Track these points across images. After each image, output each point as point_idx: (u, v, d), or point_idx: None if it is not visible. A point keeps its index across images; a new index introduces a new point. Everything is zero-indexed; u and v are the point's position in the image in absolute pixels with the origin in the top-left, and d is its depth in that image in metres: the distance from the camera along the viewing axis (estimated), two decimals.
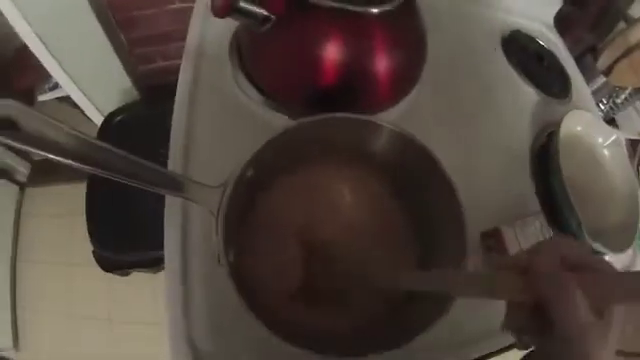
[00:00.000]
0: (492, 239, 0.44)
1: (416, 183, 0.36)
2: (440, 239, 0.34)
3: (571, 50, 0.69)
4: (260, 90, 0.46)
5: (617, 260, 0.49)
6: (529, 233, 0.44)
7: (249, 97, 0.46)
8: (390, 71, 0.43)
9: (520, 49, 0.62)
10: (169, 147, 0.44)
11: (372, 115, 0.43)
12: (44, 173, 1.19)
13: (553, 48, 0.65)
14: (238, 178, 0.31)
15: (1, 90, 0.99)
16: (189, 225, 0.40)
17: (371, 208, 0.38)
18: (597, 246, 0.46)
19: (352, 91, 0.43)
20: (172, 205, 0.41)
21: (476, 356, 0.41)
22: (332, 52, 0.40)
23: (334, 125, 0.35)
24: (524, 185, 0.51)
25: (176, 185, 0.30)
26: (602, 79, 0.78)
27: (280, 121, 0.45)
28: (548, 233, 0.45)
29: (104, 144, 0.28)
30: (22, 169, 1.18)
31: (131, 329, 1.05)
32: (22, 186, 1.19)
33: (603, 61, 0.72)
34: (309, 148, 0.36)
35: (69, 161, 0.26)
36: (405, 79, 0.47)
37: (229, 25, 0.46)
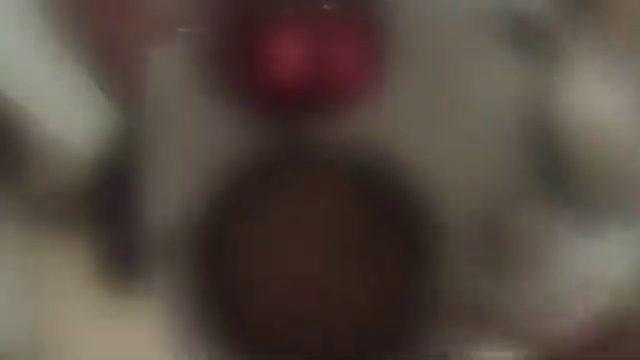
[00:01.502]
0: (489, 225, 0.42)
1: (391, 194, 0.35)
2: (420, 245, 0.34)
3: (562, 12, 0.66)
4: (228, 103, 0.44)
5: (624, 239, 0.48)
6: (529, 215, 0.43)
7: (216, 115, 0.45)
8: (358, 61, 0.42)
9: (505, 18, 0.59)
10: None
11: (346, 108, 0.42)
12: None
13: (542, 11, 0.62)
14: (210, 208, 0.31)
15: None
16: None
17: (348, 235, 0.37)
18: (605, 221, 0.45)
19: (318, 93, 0.41)
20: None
21: None
22: (291, 55, 0.39)
23: (304, 141, 0.34)
24: (521, 163, 0.48)
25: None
26: (597, 41, 0.75)
27: (254, 136, 0.43)
28: (550, 213, 0.44)
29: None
30: None
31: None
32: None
33: (598, 22, 0.70)
34: (282, 168, 0.36)
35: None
36: (374, 71, 0.45)
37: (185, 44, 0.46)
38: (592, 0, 0.70)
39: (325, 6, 0.37)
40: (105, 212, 0.38)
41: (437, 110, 0.48)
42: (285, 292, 0.34)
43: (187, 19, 0.43)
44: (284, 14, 0.39)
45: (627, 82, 0.60)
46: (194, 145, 0.44)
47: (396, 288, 0.33)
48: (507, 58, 0.54)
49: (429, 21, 0.53)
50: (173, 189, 0.42)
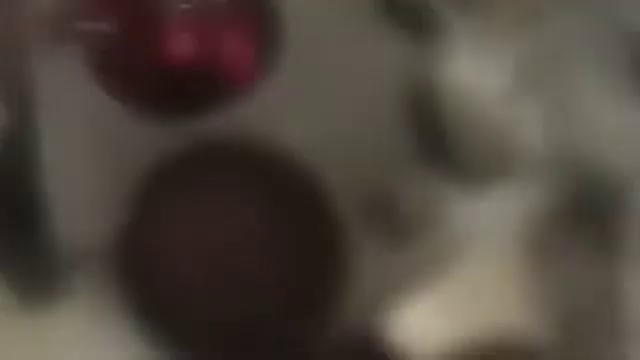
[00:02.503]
0: (377, 204, 0.45)
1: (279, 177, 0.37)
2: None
3: None
4: (121, 102, 0.43)
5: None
6: (415, 190, 0.46)
7: (115, 118, 0.43)
8: (244, 55, 0.42)
9: None
10: None
11: (234, 105, 0.43)
12: None
13: None
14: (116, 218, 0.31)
15: None
16: None
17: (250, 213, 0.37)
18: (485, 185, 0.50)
19: (208, 85, 0.41)
20: None
21: None
22: (179, 48, 0.39)
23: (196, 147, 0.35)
24: (404, 139, 0.51)
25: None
26: (477, 12, 0.79)
27: (149, 133, 0.42)
28: (434, 186, 0.48)
29: None
30: None
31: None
32: None
33: None
34: (175, 173, 0.36)
35: None
36: (262, 60, 0.45)
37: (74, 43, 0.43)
38: None
39: None
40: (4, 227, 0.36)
41: (319, 93, 0.50)
42: (196, 290, 0.35)
43: (76, 14, 0.40)
44: (172, 7, 0.38)
45: (508, 59, 0.66)
46: (91, 148, 0.43)
47: (297, 274, 0.35)
48: (389, 35, 0.56)
49: (312, 4, 0.54)
50: (74, 195, 0.41)
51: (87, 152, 0.43)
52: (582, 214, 0.50)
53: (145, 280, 0.36)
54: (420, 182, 0.46)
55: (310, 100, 0.49)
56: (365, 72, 0.53)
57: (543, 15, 0.63)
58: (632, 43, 0.53)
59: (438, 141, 0.50)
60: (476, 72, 0.57)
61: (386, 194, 0.44)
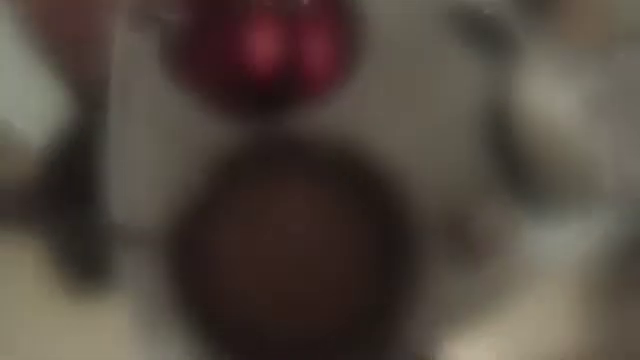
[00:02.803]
0: (454, 224, 0.44)
1: (362, 184, 0.36)
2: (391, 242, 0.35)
3: (522, 11, 0.69)
4: (196, 98, 0.42)
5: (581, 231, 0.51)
6: (492, 213, 0.44)
7: (185, 110, 0.42)
8: (327, 58, 0.42)
9: (465, 13, 0.61)
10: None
11: (314, 107, 0.42)
12: None
13: (502, 11, 0.64)
14: (175, 208, 0.31)
15: None
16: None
17: (321, 217, 0.37)
18: (562, 215, 0.47)
19: (289, 86, 0.41)
20: None
21: None
22: (262, 47, 0.38)
23: (272, 140, 0.34)
24: (482, 160, 0.48)
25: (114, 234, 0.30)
26: (554, 36, 0.78)
27: (221, 131, 0.41)
28: (512, 210, 0.45)
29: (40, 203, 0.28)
30: None
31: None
32: None
33: (557, 21, 0.73)
34: (249, 166, 0.35)
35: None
36: (345, 64, 0.44)
37: (153, 33, 0.44)
38: (556, 5, 0.74)
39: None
40: (59, 209, 0.36)
41: (402, 106, 0.49)
42: (256, 295, 0.34)
43: (155, 2, 0.41)
44: (258, 6, 0.38)
45: (582, 80, 0.64)
46: (161, 138, 0.42)
47: (367, 286, 0.34)
48: (469, 54, 0.56)
49: (396, 16, 0.54)
50: (139, 185, 0.40)
51: (153, 139, 0.43)
52: None
53: (198, 278, 0.35)
54: (494, 206, 0.44)
55: (389, 107, 0.47)
56: (444, 88, 0.51)
57: (622, 43, 0.62)
58: None
59: (514, 165, 0.48)
60: (553, 96, 0.55)
61: (457, 214, 0.42)
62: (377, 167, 0.34)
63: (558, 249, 0.46)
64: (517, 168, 0.48)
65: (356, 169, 0.35)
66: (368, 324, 0.34)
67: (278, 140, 0.35)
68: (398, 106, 0.48)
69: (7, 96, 0.79)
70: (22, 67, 0.85)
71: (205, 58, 0.41)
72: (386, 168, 0.34)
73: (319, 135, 0.35)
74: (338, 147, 0.35)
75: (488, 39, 0.61)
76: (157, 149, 0.42)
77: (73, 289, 0.66)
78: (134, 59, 0.46)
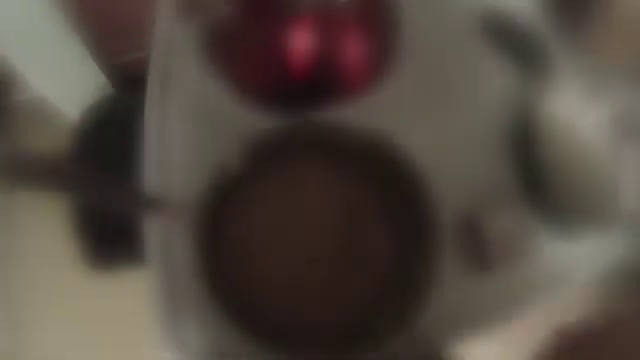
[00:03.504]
0: (471, 226, 0.43)
1: (390, 177, 0.36)
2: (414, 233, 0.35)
3: (553, 25, 0.68)
4: (232, 87, 0.44)
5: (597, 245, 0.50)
6: (510, 219, 0.44)
7: (222, 96, 0.44)
8: (362, 59, 0.42)
9: (499, 26, 0.61)
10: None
11: (347, 105, 0.43)
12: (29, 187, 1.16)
13: (534, 23, 0.64)
14: (209, 187, 0.31)
15: None
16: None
17: (345, 210, 0.38)
18: (579, 228, 0.47)
19: (324, 82, 0.42)
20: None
21: None
22: (299, 45, 0.39)
23: (307, 128, 0.35)
24: (504, 168, 0.50)
25: (148, 204, 0.31)
26: (585, 55, 0.77)
27: (254, 119, 0.43)
28: (529, 218, 0.46)
29: (72, 170, 0.28)
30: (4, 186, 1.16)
31: (129, 331, 1.06)
32: (7, 201, 1.18)
33: (587, 36, 0.72)
34: (281, 153, 0.36)
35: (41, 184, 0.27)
36: (378, 65, 0.46)
37: (197, 21, 0.45)
38: (583, 17, 0.73)
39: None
40: (91, 178, 0.36)
41: (431, 106, 0.50)
42: (282, 279, 0.35)
43: None
44: (299, 3, 0.39)
45: (612, 98, 0.63)
46: (197, 121, 0.44)
47: (387, 282, 0.34)
48: (501, 62, 0.56)
49: (431, 21, 0.54)
50: (172, 163, 0.41)
51: (189, 121, 0.44)
52: None
53: (224, 255, 0.36)
54: (514, 214, 0.44)
55: (418, 108, 0.48)
56: (475, 92, 0.54)
57: None
58: None
59: (536, 175, 0.48)
60: (581, 112, 0.55)
61: (475, 216, 0.42)
62: (403, 163, 0.34)
63: (575, 262, 0.46)
64: (539, 179, 0.48)
65: (382, 163, 0.35)
66: (383, 318, 0.34)
67: (309, 130, 0.36)
68: (428, 107, 0.49)
69: (46, 71, 0.81)
70: (61, 45, 0.88)
71: (245, 49, 0.42)
72: (411, 165, 0.34)
73: (350, 128, 0.35)
74: (367, 140, 0.35)
75: (520, 49, 0.61)
76: (193, 130, 0.43)
77: (97, 257, 0.68)
78: (175, 43, 0.47)
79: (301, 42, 0.39)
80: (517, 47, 0.61)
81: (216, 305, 0.31)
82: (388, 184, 0.36)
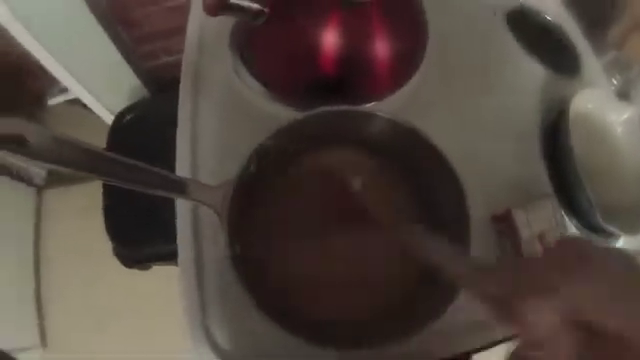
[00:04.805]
0: (503, 223, 0.43)
1: (421, 171, 0.35)
2: (443, 225, 0.34)
3: (580, 23, 0.66)
4: (262, 82, 0.46)
5: (630, 242, 0.49)
6: (541, 217, 0.43)
7: (251, 90, 0.46)
8: (391, 56, 0.42)
9: (526, 24, 0.59)
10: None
11: (375, 101, 0.43)
12: (60, 175, 1.22)
13: (561, 21, 0.62)
14: (240, 175, 0.31)
15: (13, 95, 1.01)
16: (199, 219, 0.41)
17: (377, 198, 0.37)
18: (610, 228, 0.45)
19: (353, 78, 0.43)
20: (183, 200, 0.41)
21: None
22: (330, 41, 0.40)
23: (338, 118, 0.35)
24: (536, 166, 0.49)
25: (181, 188, 0.31)
26: (613, 53, 0.75)
27: (282, 112, 0.45)
28: (560, 216, 0.44)
29: (110, 155, 0.29)
30: (39, 172, 1.21)
31: (156, 322, 1.08)
32: (40, 188, 1.22)
33: (614, 34, 0.70)
34: (313, 141, 0.36)
35: (78, 172, 0.28)
36: (407, 63, 0.46)
37: (227, 18, 0.46)
38: (609, 14, 0.71)
39: None
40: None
41: (461, 103, 0.49)
42: (315, 274, 0.35)
43: None
44: (330, 3, 0.39)
45: (638, 95, 0.61)
46: (227, 115, 0.45)
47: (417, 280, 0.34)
48: (530, 62, 0.55)
49: (462, 22, 0.54)
50: (206, 158, 0.43)
51: (221, 114, 0.45)
52: None
53: (253, 243, 0.35)
54: (546, 211, 0.43)
55: (448, 104, 0.49)
56: (504, 92, 0.53)
57: None
58: None
59: (566, 173, 0.47)
60: (610, 111, 0.53)
61: (511, 216, 0.41)
62: (440, 155, 0.33)
63: None
64: (570, 176, 0.46)
65: (417, 154, 0.35)
66: (411, 317, 0.33)
67: (343, 120, 0.36)
68: (457, 103, 0.49)
69: (83, 73, 0.85)
70: (98, 48, 0.91)
71: (275, 44, 0.42)
72: (440, 160, 0.34)
73: (386, 118, 0.35)
74: (402, 130, 0.35)
75: (549, 47, 0.60)
76: (224, 125, 0.44)
77: (129, 254, 0.69)
78: (207, 40, 0.49)
79: (331, 37, 0.39)
80: (545, 44, 0.60)
81: (249, 301, 0.30)
82: (423, 176, 0.36)
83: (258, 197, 0.36)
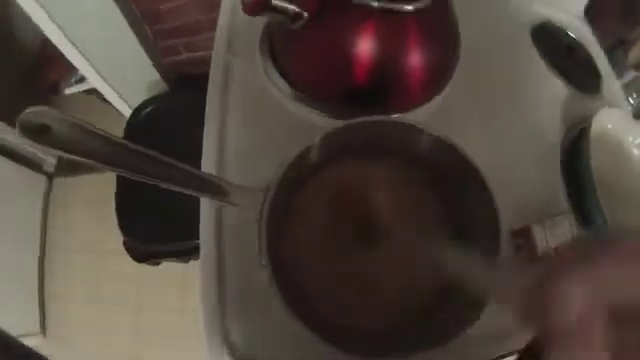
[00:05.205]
0: (521, 238, 0.43)
1: (456, 186, 0.35)
2: (474, 238, 0.34)
3: (601, 43, 0.67)
4: (294, 85, 0.46)
5: None
6: (558, 233, 0.43)
7: (281, 92, 0.46)
8: (425, 68, 0.42)
9: (550, 41, 0.60)
10: (197, 143, 0.44)
11: (401, 112, 0.43)
12: (71, 163, 1.21)
13: (584, 40, 0.63)
14: (281, 180, 0.31)
15: (30, 83, 1.01)
16: (223, 218, 0.40)
17: (411, 208, 0.37)
18: None
19: (386, 89, 0.43)
20: (207, 199, 0.41)
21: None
22: (365, 50, 0.40)
23: (378, 127, 0.35)
24: (555, 182, 0.49)
25: (213, 188, 0.30)
26: (632, 73, 0.76)
27: (312, 117, 0.45)
28: (577, 233, 0.45)
29: (136, 147, 0.28)
30: (50, 160, 1.21)
31: (160, 317, 1.08)
32: (50, 176, 1.22)
33: (634, 54, 0.70)
34: (351, 150, 0.36)
35: (101, 165, 0.27)
36: (440, 76, 0.47)
37: (258, 18, 0.46)
38: (634, 39, 0.71)
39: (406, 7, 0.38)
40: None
41: (487, 117, 0.50)
42: (344, 279, 0.35)
43: None
44: (363, 10, 0.39)
45: None
46: (259, 119, 0.45)
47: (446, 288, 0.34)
48: (557, 82, 0.56)
49: (490, 37, 0.55)
50: (233, 161, 0.43)
51: (248, 116, 0.45)
52: None
53: (283, 243, 0.35)
54: (565, 226, 0.43)
55: (474, 116, 0.49)
56: (526, 108, 0.53)
57: None
58: None
59: (584, 190, 0.47)
60: (630, 130, 0.53)
61: (530, 230, 0.41)
62: (473, 167, 0.33)
63: None
64: (588, 193, 0.47)
65: (451, 165, 0.35)
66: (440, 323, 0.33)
67: (378, 129, 0.35)
68: (483, 117, 0.49)
69: (103, 65, 0.85)
70: (119, 41, 0.92)
71: (312, 51, 0.42)
72: (475, 177, 0.34)
73: (420, 129, 0.35)
74: (437, 141, 0.35)
75: (572, 65, 0.60)
76: (253, 129, 0.44)
77: (142, 250, 0.69)
78: (237, 38, 0.49)
79: (367, 46, 0.40)
80: (568, 62, 0.60)
81: (280, 303, 0.29)
82: (455, 187, 0.36)
83: (293, 203, 0.36)
